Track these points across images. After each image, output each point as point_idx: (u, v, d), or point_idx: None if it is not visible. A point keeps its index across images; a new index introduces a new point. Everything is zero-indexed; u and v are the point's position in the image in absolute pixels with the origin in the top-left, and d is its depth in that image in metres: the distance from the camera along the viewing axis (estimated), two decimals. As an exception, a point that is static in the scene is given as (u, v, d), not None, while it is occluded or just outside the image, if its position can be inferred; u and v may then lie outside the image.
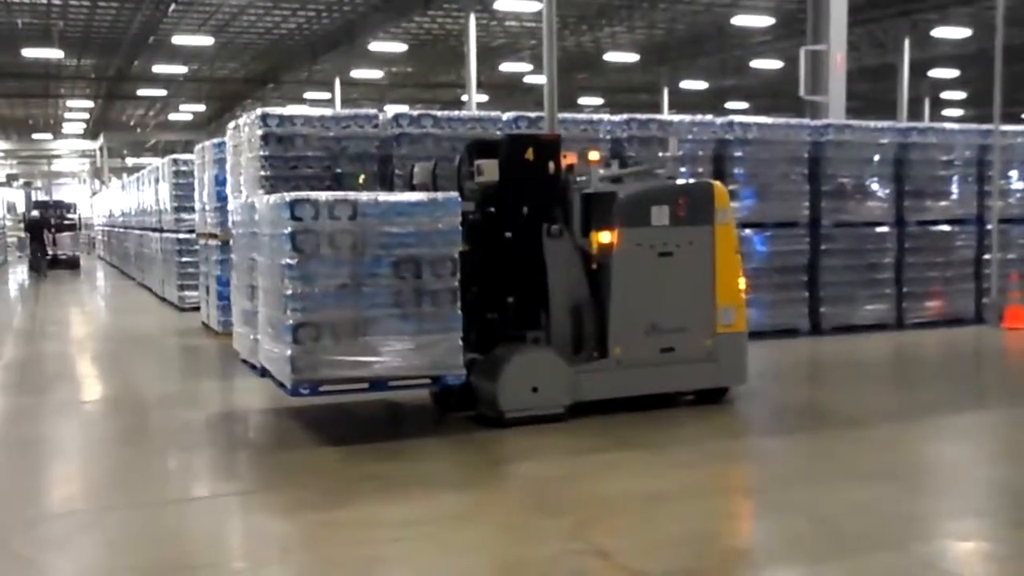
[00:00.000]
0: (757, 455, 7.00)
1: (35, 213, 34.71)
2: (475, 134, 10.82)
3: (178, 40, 26.90)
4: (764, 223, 12.06)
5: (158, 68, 31.51)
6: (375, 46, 28.26)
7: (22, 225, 35.51)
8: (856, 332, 12.23)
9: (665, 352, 7.68)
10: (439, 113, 11.05)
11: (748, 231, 11.95)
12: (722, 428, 7.53)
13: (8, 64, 29.82)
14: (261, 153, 9.89)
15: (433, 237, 6.81)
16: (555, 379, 7.32)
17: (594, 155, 8.08)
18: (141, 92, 36.96)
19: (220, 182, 12.34)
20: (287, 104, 33.36)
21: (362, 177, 9.71)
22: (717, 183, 8.21)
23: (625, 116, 11.67)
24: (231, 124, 11.47)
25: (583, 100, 38.27)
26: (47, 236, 28.96)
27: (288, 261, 6.53)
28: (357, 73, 32.58)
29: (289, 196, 6.66)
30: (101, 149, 45.39)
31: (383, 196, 6.97)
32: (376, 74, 33.88)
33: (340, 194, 6.95)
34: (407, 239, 6.74)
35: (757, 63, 31.48)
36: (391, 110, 11.17)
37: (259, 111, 10.21)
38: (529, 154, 7.54)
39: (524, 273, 7.52)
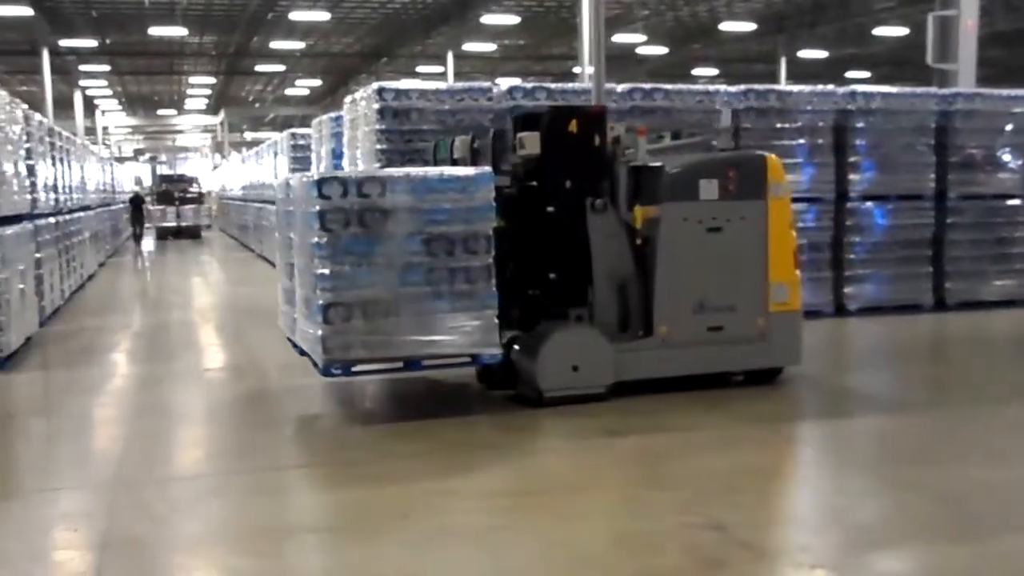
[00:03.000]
0: (876, 433, 6.78)
1: (136, 189, 36.37)
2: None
3: (295, 16, 27.41)
4: (886, 196, 11.70)
5: (276, 44, 32.20)
6: (487, 19, 28.28)
7: (150, 198, 36.96)
8: (983, 308, 11.79)
9: (713, 331, 7.41)
10: (553, 85, 11.03)
11: (869, 204, 11.65)
12: (831, 404, 7.37)
13: (135, 43, 30.88)
14: (377, 127, 10.01)
15: (466, 213, 6.67)
16: (596, 358, 7.11)
17: (641, 128, 7.79)
18: (259, 68, 37.82)
19: (337, 155, 12.57)
20: (400, 78, 33.68)
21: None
22: (771, 156, 7.75)
23: (743, 87, 11.43)
24: (348, 98, 11.64)
25: (697, 71, 37.65)
26: (141, 211, 30.44)
27: (317, 240, 6.47)
28: (469, 46, 32.68)
29: (317, 174, 6.55)
30: (222, 124, 46.76)
31: (413, 172, 6.85)
32: (488, 47, 33.93)
33: (369, 171, 6.87)
34: (439, 216, 6.61)
35: (880, 30, 30.43)
36: (505, 83, 11.18)
37: (376, 85, 10.33)
38: (573, 126, 7.27)
39: (567, 249, 7.27)
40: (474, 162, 7.62)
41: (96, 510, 5.31)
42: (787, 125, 11.29)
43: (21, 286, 9.97)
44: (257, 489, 5.59)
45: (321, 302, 6.48)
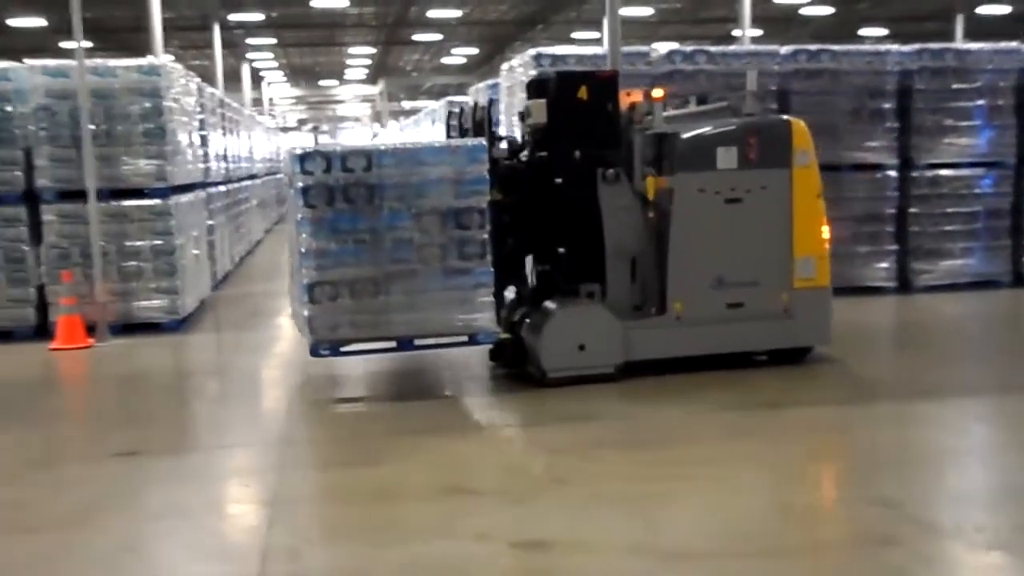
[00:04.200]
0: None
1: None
2: (750, 69, 10.46)
3: (453, -16, 27.61)
4: (1075, 162, 11.00)
5: (433, 13, 32.52)
6: (645, -18, 27.82)
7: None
8: None
9: (733, 308, 7.01)
10: (713, 49, 10.76)
11: (1053, 172, 10.98)
12: (1011, 378, 6.97)
13: (298, 16, 31.72)
14: (534, 93, 9.96)
15: (458, 187, 6.46)
16: (605, 336, 6.80)
17: (658, 92, 7.31)
18: (417, 37, 38.30)
19: (493, 123, 12.60)
20: (555, 45, 33.53)
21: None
22: (797, 121, 7.20)
23: (916, 46, 10.88)
24: (505, 65, 11.66)
25: (864, 31, 36.09)
26: None
27: (300, 217, 6.33)
28: (626, 11, 32.22)
29: (300, 148, 6.47)
30: (380, 93, 47.65)
31: (401, 144, 6.62)
32: (645, 11, 33.40)
33: (354, 145, 6.70)
34: (428, 189, 6.41)
35: (1069, -18, 28.46)
36: (663, 47, 10.98)
37: (532, 51, 10.31)
38: (582, 93, 6.87)
39: (577, 222, 6.92)
40: (478, 132, 7.35)
41: (266, 467, 5.53)
42: (965, 86, 10.70)
43: (196, 251, 10.45)
44: (418, 450, 5.70)
45: (306, 281, 6.37)
